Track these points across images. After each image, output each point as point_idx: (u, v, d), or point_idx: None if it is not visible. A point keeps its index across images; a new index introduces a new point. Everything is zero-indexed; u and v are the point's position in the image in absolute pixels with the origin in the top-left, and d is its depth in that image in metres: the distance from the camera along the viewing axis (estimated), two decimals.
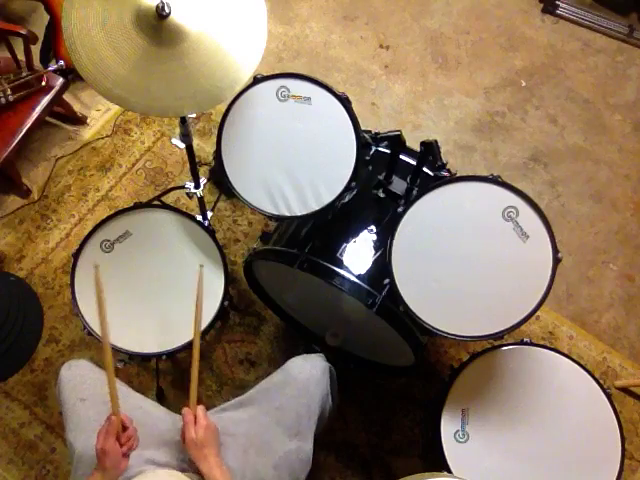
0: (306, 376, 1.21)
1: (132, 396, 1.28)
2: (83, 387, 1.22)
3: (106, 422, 1.03)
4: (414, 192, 1.39)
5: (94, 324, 1.43)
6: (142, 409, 1.23)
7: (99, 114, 2.27)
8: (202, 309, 1.20)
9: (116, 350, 1.43)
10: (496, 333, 1.17)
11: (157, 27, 1.05)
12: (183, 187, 1.63)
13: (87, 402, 1.19)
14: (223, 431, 1.15)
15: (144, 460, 1.11)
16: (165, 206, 1.60)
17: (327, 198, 1.31)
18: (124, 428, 1.04)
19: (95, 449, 1.01)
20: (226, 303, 1.49)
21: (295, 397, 1.18)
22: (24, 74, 1.84)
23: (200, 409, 1.10)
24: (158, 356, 1.44)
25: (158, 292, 1.48)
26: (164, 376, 1.81)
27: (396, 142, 1.33)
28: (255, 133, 1.35)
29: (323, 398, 1.23)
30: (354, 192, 1.35)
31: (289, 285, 1.61)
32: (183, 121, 1.30)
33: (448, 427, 1.34)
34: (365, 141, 1.34)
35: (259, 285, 1.66)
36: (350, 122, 1.29)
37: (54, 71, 1.87)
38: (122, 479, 1.05)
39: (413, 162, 1.44)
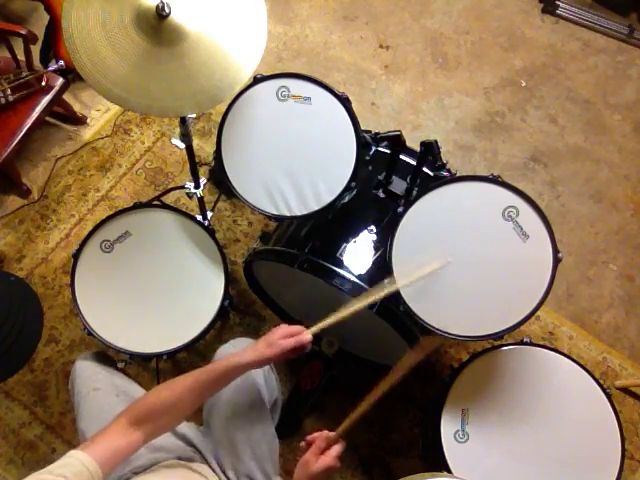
0: None
1: (140, 390, 1.30)
2: (98, 377, 1.26)
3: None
4: (414, 192, 1.39)
5: (94, 324, 1.43)
6: None
7: (99, 114, 2.27)
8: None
9: (117, 350, 1.43)
10: (496, 333, 1.17)
11: (157, 27, 1.05)
12: (183, 187, 1.63)
13: (101, 392, 1.22)
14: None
15: (153, 448, 1.12)
16: (165, 206, 1.60)
17: (327, 198, 1.31)
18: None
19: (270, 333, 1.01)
20: (226, 303, 1.50)
21: (238, 385, 1.16)
22: (24, 74, 1.84)
23: (339, 445, 1.01)
24: (158, 356, 1.44)
25: (158, 292, 1.48)
26: (164, 376, 1.80)
27: (396, 142, 1.33)
28: (255, 133, 1.35)
29: (265, 375, 1.23)
30: (354, 192, 1.35)
31: (289, 285, 1.61)
32: (183, 121, 1.30)
33: (448, 427, 1.34)
34: (365, 141, 1.34)
35: (259, 285, 1.66)
36: (350, 122, 1.29)
37: (54, 71, 1.87)
38: (131, 469, 1.07)
39: (413, 162, 1.44)
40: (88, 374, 1.26)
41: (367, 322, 1.41)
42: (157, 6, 1.03)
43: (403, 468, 1.73)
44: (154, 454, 1.11)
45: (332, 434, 1.01)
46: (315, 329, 1.05)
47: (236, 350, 1.23)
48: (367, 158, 1.42)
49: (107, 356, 1.46)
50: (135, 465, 1.09)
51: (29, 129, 1.86)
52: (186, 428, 1.21)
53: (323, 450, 0.97)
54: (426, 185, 1.26)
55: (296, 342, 1.00)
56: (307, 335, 1.02)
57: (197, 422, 1.27)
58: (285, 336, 1.00)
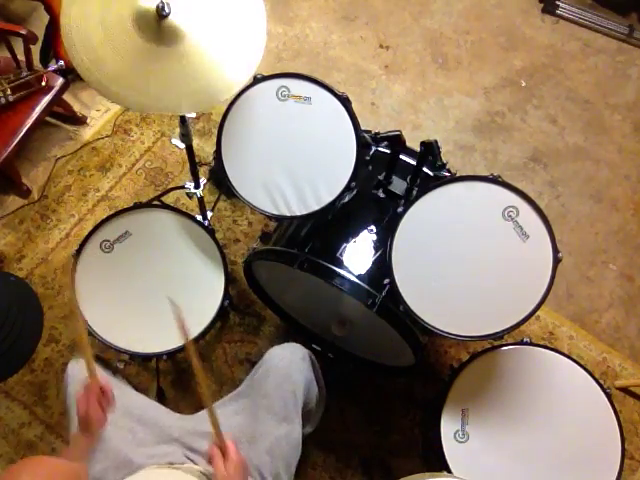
0: (287, 363, 1.23)
1: (133, 394, 1.29)
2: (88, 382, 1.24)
3: (84, 390, 1.05)
4: (414, 192, 1.39)
5: (94, 324, 1.43)
6: (142, 407, 1.25)
7: (99, 114, 2.27)
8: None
9: (117, 350, 1.43)
10: (496, 333, 1.17)
11: (157, 27, 1.05)
12: (183, 187, 1.63)
13: None
14: None
15: (146, 456, 1.12)
16: (165, 206, 1.60)
17: (327, 198, 1.31)
18: (102, 392, 1.06)
19: (78, 416, 1.02)
20: (226, 303, 1.50)
21: (279, 384, 1.20)
22: (24, 74, 1.84)
23: (230, 443, 1.00)
24: (158, 356, 1.44)
25: (158, 292, 1.48)
26: (164, 376, 1.81)
27: (396, 142, 1.33)
28: (255, 133, 1.35)
29: (307, 384, 1.26)
30: (354, 192, 1.35)
31: (289, 285, 1.61)
32: (183, 121, 1.30)
33: (448, 427, 1.34)
34: (365, 141, 1.34)
35: (259, 285, 1.66)
36: (350, 122, 1.29)
37: (54, 71, 1.87)
38: (123, 475, 1.06)
39: (413, 162, 1.44)
40: (79, 379, 1.24)
41: (367, 322, 1.41)
42: (157, 6, 1.03)
43: (403, 468, 1.73)
44: (149, 460, 1.12)
45: (215, 442, 0.99)
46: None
47: (286, 351, 1.27)
48: (367, 158, 1.42)
49: (99, 358, 1.46)
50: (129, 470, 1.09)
51: (29, 129, 1.86)
52: (177, 422, 1.21)
53: (224, 455, 0.97)
54: (426, 185, 1.26)
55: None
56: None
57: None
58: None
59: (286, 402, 1.20)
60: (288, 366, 1.23)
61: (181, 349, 1.44)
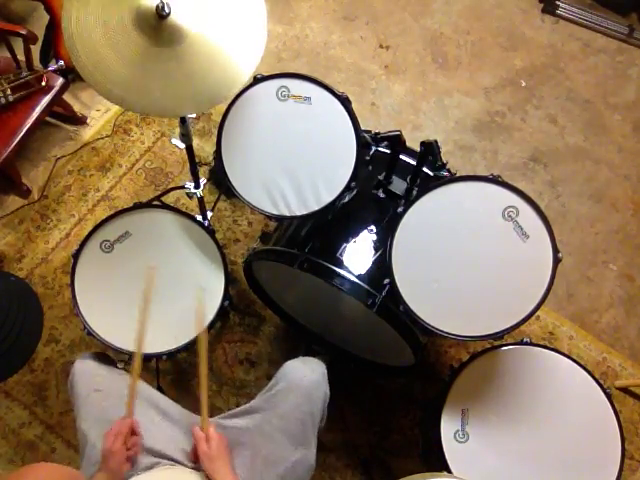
0: (308, 382, 1.21)
1: (148, 392, 1.29)
2: (98, 379, 1.26)
3: (118, 424, 1.08)
4: (414, 192, 1.39)
5: (94, 324, 1.43)
6: (157, 407, 1.24)
7: (99, 114, 2.27)
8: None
9: (117, 350, 1.43)
10: (496, 333, 1.17)
11: (157, 27, 1.05)
12: (183, 187, 1.62)
13: (102, 393, 1.22)
14: (229, 439, 1.15)
15: (155, 455, 1.13)
16: (165, 206, 1.59)
17: (327, 198, 1.31)
18: (133, 432, 1.09)
19: (102, 449, 1.04)
20: (226, 303, 1.50)
21: (299, 405, 1.18)
22: (24, 74, 1.84)
23: (211, 427, 1.12)
24: (158, 356, 1.44)
25: (158, 292, 1.47)
26: (164, 376, 1.81)
27: (396, 142, 1.33)
28: (255, 133, 1.35)
29: (324, 402, 1.24)
30: (354, 192, 1.35)
31: (289, 285, 1.61)
32: (183, 121, 1.29)
33: (448, 427, 1.34)
34: (365, 141, 1.34)
35: (259, 285, 1.66)
36: (350, 122, 1.29)
37: (54, 71, 1.87)
38: (130, 473, 1.07)
39: (413, 162, 1.44)
40: (88, 376, 1.26)
41: (367, 322, 1.41)
42: (157, 6, 1.03)
43: (403, 468, 1.73)
44: (152, 459, 1.12)
45: (199, 428, 1.13)
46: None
47: (307, 367, 1.25)
48: (367, 158, 1.42)
49: (106, 356, 1.46)
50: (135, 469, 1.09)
51: (29, 129, 1.86)
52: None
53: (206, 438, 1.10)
54: (426, 185, 1.26)
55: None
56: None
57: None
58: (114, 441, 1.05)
59: (304, 424, 1.17)
60: (309, 385, 1.20)
61: (180, 349, 1.44)
